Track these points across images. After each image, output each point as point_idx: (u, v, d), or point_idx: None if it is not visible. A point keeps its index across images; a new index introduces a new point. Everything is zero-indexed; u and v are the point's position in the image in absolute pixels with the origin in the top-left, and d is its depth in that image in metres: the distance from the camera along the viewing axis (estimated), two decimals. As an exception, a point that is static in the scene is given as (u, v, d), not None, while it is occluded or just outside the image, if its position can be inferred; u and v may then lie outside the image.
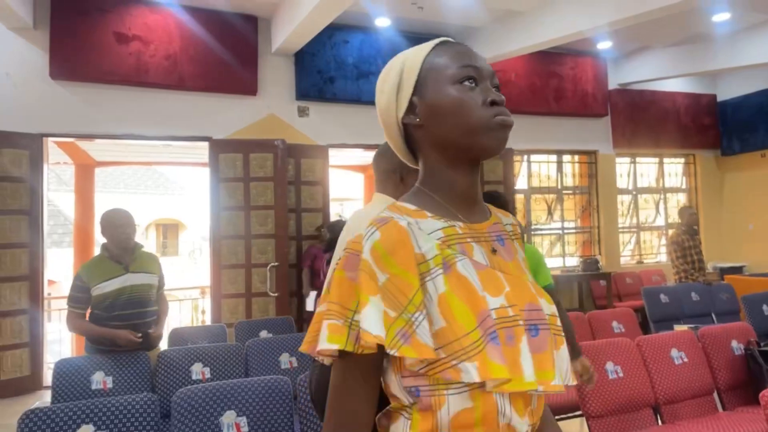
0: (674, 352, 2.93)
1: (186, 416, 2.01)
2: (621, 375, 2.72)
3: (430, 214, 0.85)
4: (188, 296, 7.94)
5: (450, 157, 0.87)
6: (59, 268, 12.95)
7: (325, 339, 0.75)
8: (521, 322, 0.79)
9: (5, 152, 4.98)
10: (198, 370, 2.87)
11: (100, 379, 2.70)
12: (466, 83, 0.85)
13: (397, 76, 0.89)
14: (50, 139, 5.49)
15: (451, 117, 0.84)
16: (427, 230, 0.82)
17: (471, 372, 0.73)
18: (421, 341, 0.73)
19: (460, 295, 0.77)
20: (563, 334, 0.86)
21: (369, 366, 0.77)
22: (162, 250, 22.38)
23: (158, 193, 20.89)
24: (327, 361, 0.81)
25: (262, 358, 3.05)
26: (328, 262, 4.89)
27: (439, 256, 0.80)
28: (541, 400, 0.86)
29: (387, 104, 0.90)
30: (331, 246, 5.02)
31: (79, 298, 2.96)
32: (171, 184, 21.38)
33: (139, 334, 2.90)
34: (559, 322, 0.86)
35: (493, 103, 0.85)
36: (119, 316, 2.94)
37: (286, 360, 3.07)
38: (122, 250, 3.04)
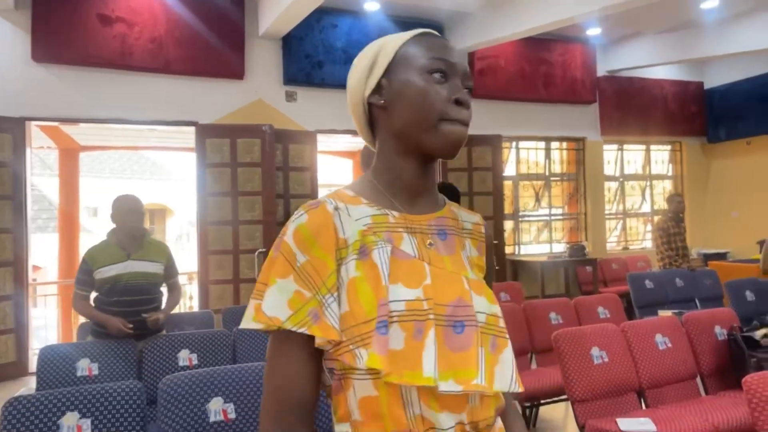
0: (658, 338, 2.97)
1: (172, 403, 2.00)
2: (606, 360, 2.75)
3: (365, 201, 0.87)
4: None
5: (402, 146, 0.87)
6: (44, 254, 12.82)
7: (250, 318, 0.77)
8: (432, 316, 0.77)
9: (-13, 136, 4.89)
10: (185, 357, 2.86)
11: (85, 366, 2.68)
12: (436, 75, 0.84)
13: (372, 58, 0.89)
14: (33, 123, 5.40)
15: (412, 104, 0.84)
16: (355, 216, 0.84)
17: (363, 358, 0.74)
18: (328, 323, 0.76)
19: (369, 282, 0.78)
20: (507, 336, 0.84)
21: (293, 341, 0.78)
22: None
23: (145, 178, 20.68)
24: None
25: (250, 345, 3.05)
26: None
27: (358, 242, 0.81)
28: (491, 401, 0.83)
29: (357, 83, 0.90)
30: None
31: (83, 280, 2.99)
32: (158, 168, 21.17)
33: (130, 325, 2.88)
34: (501, 323, 0.84)
35: (458, 102, 0.84)
36: (118, 302, 2.95)
37: (273, 346, 3.06)
38: (128, 236, 3.04)
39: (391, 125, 0.87)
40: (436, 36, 0.89)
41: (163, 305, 3.18)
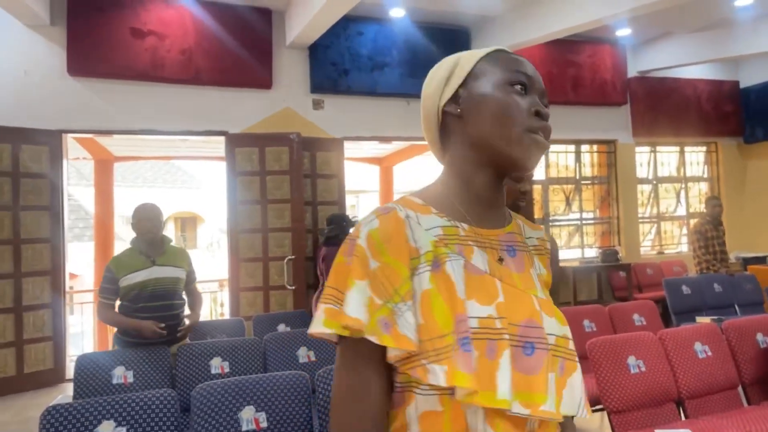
0: (698, 346, 2.88)
1: (205, 411, 2.02)
2: (643, 369, 2.67)
3: (435, 211, 0.84)
4: (207, 289, 8.00)
5: (477, 156, 0.86)
6: (81, 262, 13.16)
7: (321, 323, 0.75)
8: (507, 336, 0.76)
9: (25, 148, 5.04)
10: (217, 365, 2.89)
11: (120, 374, 2.73)
12: (516, 87, 0.84)
13: (449, 69, 0.89)
14: (69, 135, 5.55)
15: (492, 115, 0.83)
16: (426, 226, 0.81)
17: (438, 375, 0.72)
18: (401, 332, 0.73)
19: (443, 294, 0.76)
20: (576, 359, 0.83)
21: (366, 350, 0.75)
22: (180, 244, 22.62)
23: (176, 187, 21.07)
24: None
25: (280, 352, 3.06)
26: (324, 257, 4.94)
27: (430, 252, 0.79)
28: (550, 426, 0.80)
29: (433, 92, 0.90)
30: (330, 240, 5.06)
31: (108, 289, 3.05)
32: (189, 178, 21.55)
33: (162, 325, 2.95)
34: (571, 346, 0.82)
35: (538, 114, 0.84)
36: (145, 308, 3.02)
37: (304, 354, 3.08)
38: (149, 243, 3.11)
39: (467, 135, 0.86)
40: (511, 53, 0.89)
41: (186, 311, 3.25)
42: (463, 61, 0.88)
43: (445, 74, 0.89)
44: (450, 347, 0.72)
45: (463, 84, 0.87)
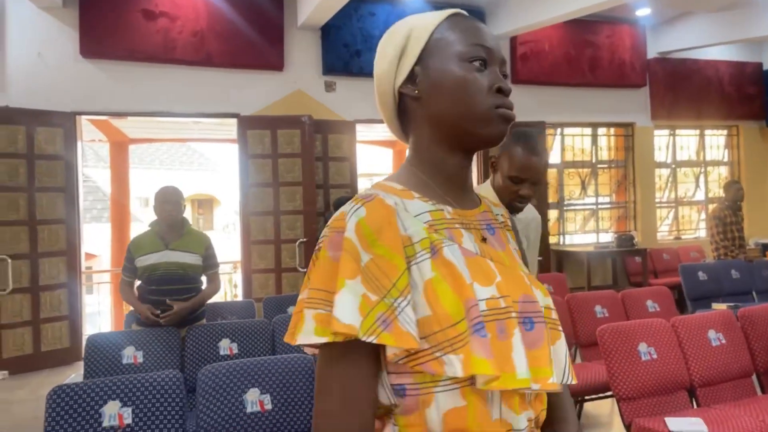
0: (711, 333, 2.82)
1: (211, 393, 2.03)
2: (655, 357, 2.63)
3: (417, 195, 0.80)
4: (223, 270, 8.05)
5: (443, 137, 0.81)
6: (99, 243, 13.34)
7: (312, 331, 0.68)
8: (514, 314, 0.73)
9: (40, 131, 5.08)
10: (226, 346, 2.91)
11: (131, 354, 2.76)
12: (475, 63, 0.79)
13: (403, 41, 0.82)
14: (83, 117, 5.58)
15: (452, 96, 0.78)
16: (414, 212, 0.77)
17: (455, 365, 0.67)
18: (403, 329, 0.67)
19: (448, 281, 0.71)
20: (560, 327, 0.82)
21: (356, 354, 0.69)
22: (196, 225, 22.87)
23: (193, 169, 21.22)
24: (309, 352, 0.76)
25: (289, 335, 3.07)
26: None
27: (426, 239, 0.74)
28: (541, 394, 0.80)
29: (387, 69, 0.83)
30: None
31: (128, 267, 3.14)
32: (205, 160, 21.68)
33: (158, 311, 2.95)
34: (554, 315, 0.81)
35: (500, 91, 0.79)
36: (155, 291, 3.06)
37: (312, 337, 3.08)
38: (167, 226, 3.13)
39: (428, 117, 0.81)
40: (471, 18, 0.83)
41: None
42: (416, 32, 0.82)
43: (398, 50, 0.82)
44: (464, 335, 0.68)
45: (419, 61, 0.81)
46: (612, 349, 2.61)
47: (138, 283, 3.17)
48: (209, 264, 3.25)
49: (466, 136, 0.80)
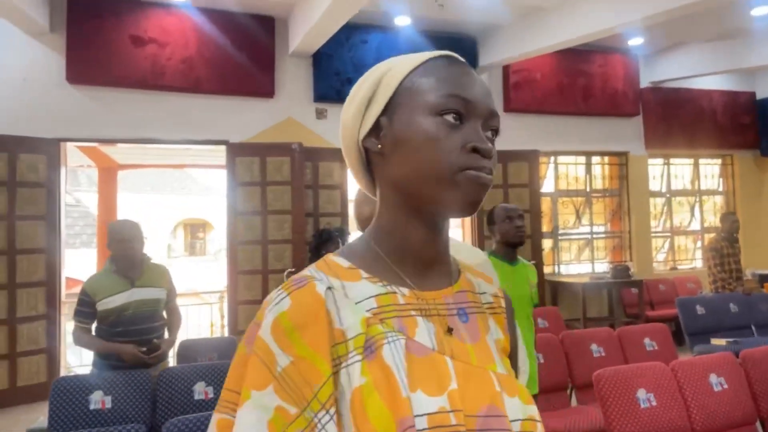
0: (713, 378, 2.69)
1: (176, 449, 1.87)
2: (654, 404, 2.49)
3: (365, 275, 0.67)
4: (209, 301, 7.87)
5: (406, 202, 0.69)
6: (87, 268, 13.13)
7: None
8: None
9: (23, 157, 4.96)
10: (201, 390, 2.75)
11: (98, 399, 2.60)
12: (449, 117, 0.66)
13: (371, 88, 0.71)
14: (68, 143, 5.47)
15: (416, 154, 0.65)
16: (356, 298, 0.64)
17: None
18: None
19: (382, 392, 0.58)
20: None
21: None
22: (190, 250, 22.65)
23: (184, 194, 21.11)
24: None
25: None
26: None
27: (362, 335, 0.61)
28: None
29: (352, 119, 0.73)
30: (315, 257, 4.68)
31: (84, 312, 2.88)
32: (197, 184, 21.59)
33: (144, 348, 2.81)
34: (540, 429, 0.66)
35: (475, 151, 0.65)
36: (125, 332, 2.85)
37: (293, 378, 2.92)
38: (129, 264, 2.93)
39: (392, 177, 0.69)
40: (456, 63, 0.70)
41: (166, 332, 3.08)
42: (388, 77, 0.70)
43: (366, 97, 0.71)
44: None
45: (386, 110, 0.69)
46: (609, 395, 2.47)
47: (95, 326, 2.93)
48: (171, 297, 3.11)
49: (431, 201, 0.66)
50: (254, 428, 0.55)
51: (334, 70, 6.05)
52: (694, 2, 4.59)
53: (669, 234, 8.23)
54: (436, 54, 0.71)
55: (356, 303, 0.63)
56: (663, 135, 7.70)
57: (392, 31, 6.24)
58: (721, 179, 8.56)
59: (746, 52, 6.85)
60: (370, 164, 0.73)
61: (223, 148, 5.82)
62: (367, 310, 0.63)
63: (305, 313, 0.60)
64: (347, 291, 0.64)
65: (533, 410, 0.67)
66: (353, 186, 6.48)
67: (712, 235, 5.73)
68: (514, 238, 2.62)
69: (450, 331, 0.67)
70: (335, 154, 6.06)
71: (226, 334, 6.01)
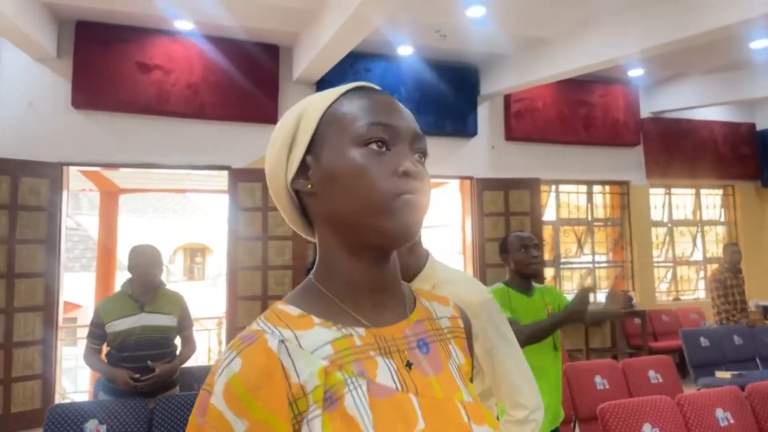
0: (719, 413, 2.64)
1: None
2: (660, 439, 2.44)
3: (318, 321, 0.64)
4: (207, 327, 7.80)
5: (346, 238, 0.67)
6: (85, 293, 13.06)
7: None
8: None
9: (25, 181, 4.97)
10: (197, 419, 2.69)
11: (93, 427, 2.55)
12: (374, 146, 0.65)
13: (292, 128, 0.70)
14: (72, 167, 5.48)
15: (347, 187, 0.64)
16: (311, 347, 0.61)
17: None
18: None
19: None
20: None
21: None
22: (189, 275, 22.57)
23: (185, 217, 21.12)
24: None
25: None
26: None
27: (320, 387, 0.58)
28: None
29: (276, 163, 0.71)
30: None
31: (94, 333, 2.91)
32: (198, 208, 21.62)
33: (137, 375, 2.77)
34: None
35: (405, 174, 0.64)
36: (130, 357, 2.84)
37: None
38: (144, 288, 2.94)
39: (326, 216, 0.68)
40: (373, 91, 0.70)
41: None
42: (306, 116, 0.69)
43: (288, 138, 0.70)
44: None
45: (310, 149, 0.68)
46: (615, 429, 2.42)
47: (106, 349, 2.95)
48: (184, 325, 3.07)
49: (370, 233, 0.65)
50: None
51: (337, 98, 6.10)
52: (691, 36, 4.65)
53: (671, 264, 8.19)
54: (353, 86, 0.71)
55: (311, 352, 0.61)
56: (664, 165, 7.72)
57: (395, 60, 6.31)
58: (722, 209, 8.55)
59: (746, 83, 6.92)
60: (303, 206, 0.72)
61: (224, 173, 5.84)
62: (324, 358, 0.61)
63: (258, 374, 0.56)
64: (300, 341, 0.61)
65: None
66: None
67: (715, 265, 5.71)
68: (528, 269, 2.46)
69: (409, 365, 0.65)
70: (337, 181, 6.07)
71: (224, 361, 5.94)
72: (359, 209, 0.64)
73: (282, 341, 0.60)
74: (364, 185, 0.63)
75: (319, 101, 0.70)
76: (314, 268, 0.71)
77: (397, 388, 0.62)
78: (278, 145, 0.71)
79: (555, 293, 2.62)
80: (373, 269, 0.67)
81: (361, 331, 0.65)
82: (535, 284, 2.56)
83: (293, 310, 0.65)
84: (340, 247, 0.67)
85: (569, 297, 2.42)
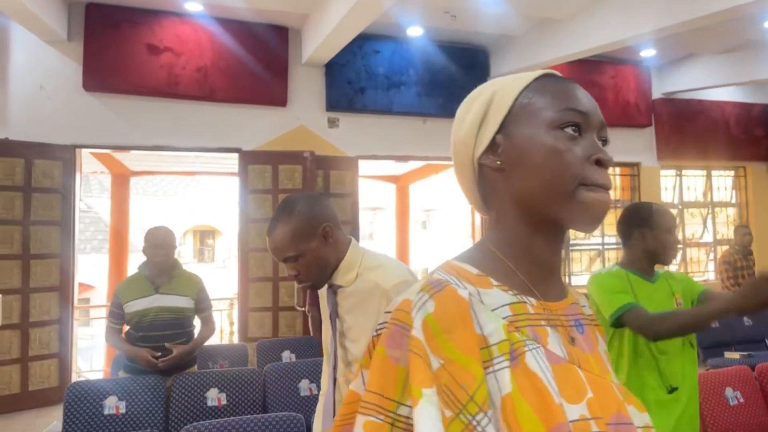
0: (729, 392, 2.66)
1: (191, 455, 1.88)
2: (668, 417, 2.47)
3: (495, 283, 0.67)
4: (219, 307, 7.90)
5: (529, 215, 0.70)
6: (98, 274, 13.23)
7: None
8: None
9: (38, 163, 5.02)
10: (214, 396, 2.76)
11: (113, 404, 2.61)
12: (568, 130, 0.68)
13: (484, 107, 0.73)
14: (83, 150, 5.53)
15: (540, 169, 0.67)
16: (492, 305, 0.64)
17: None
18: None
19: (529, 399, 0.57)
20: None
21: None
22: (199, 257, 22.78)
23: (195, 200, 21.24)
24: None
25: (281, 385, 2.92)
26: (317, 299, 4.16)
27: (505, 342, 0.60)
28: None
29: (465, 138, 0.74)
30: None
31: (114, 313, 2.99)
32: (208, 191, 21.72)
33: (159, 354, 2.83)
34: None
35: (599, 163, 0.67)
36: (146, 337, 2.91)
37: (305, 386, 2.93)
38: (158, 269, 2.99)
39: (512, 191, 0.70)
40: (562, 79, 0.73)
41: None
42: (500, 95, 0.72)
43: (478, 116, 0.73)
44: None
45: (501, 128, 0.71)
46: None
47: (126, 328, 3.02)
48: (202, 306, 3.11)
49: (555, 216, 0.68)
50: (436, 419, 0.54)
51: (346, 80, 6.10)
52: (704, 15, 4.59)
53: (681, 245, 8.17)
54: (541, 73, 0.74)
55: (492, 310, 0.63)
56: (675, 146, 7.67)
57: (405, 42, 6.28)
58: (734, 191, 8.50)
59: (759, 64, 6.82)
60: (483, 183, 0.75)
61: (234, 155, 5.87)
62: (503, 318, 0.63)
63: (451, 317, 0.59)
64: (482, 297, 0.64)
65: (648, 418, 0.68)
66: (364, 194, 6.51)
67: (725, 247, 5.70)
68: (671, 256, 2.00)
69: (573, 341, 0.68)
70: (347, 162, 6.09)
71: (236, 341, 6.04)
72: (548, 189, 0.66)
73: (470, 293, 0.63)
74: (558, 166, 0.66)
75: (512, 85, 0.72)
76: (488, 237, 0.74)
77: (565, 358, 0.64)
78: (469, 120, 0.73)
79: (685, 280, 2.12)
80: (551, 245, 0.71)
81: (533, 300, 0.68)
82: (657, 270, 2.08)
83: (471, 269, 0.68)
84: (522, 222, 0.70)
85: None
